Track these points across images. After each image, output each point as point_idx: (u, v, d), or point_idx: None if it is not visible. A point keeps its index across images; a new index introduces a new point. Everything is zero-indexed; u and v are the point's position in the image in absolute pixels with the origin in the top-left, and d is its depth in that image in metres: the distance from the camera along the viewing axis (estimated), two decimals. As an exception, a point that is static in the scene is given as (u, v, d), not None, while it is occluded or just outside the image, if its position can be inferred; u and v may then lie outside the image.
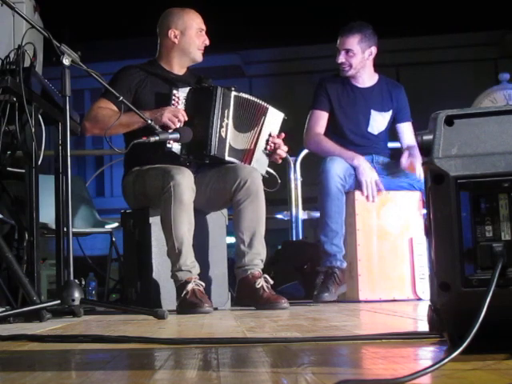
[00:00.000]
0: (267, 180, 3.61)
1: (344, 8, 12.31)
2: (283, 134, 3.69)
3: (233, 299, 3.68)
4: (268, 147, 3.67)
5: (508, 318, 1.26)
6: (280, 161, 3.72)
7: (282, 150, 3.68)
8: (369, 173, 3.96)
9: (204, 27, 3.75)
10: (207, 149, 3.48)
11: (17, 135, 3.03)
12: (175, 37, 3.69)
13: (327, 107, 4.17)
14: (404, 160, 4.03)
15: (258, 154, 3.65)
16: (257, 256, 3.45)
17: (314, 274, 4.17)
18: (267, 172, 3.70)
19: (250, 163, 3.61)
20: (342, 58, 4.15)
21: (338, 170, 3.89)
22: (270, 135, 3.67)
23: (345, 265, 3.94)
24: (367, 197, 3.96)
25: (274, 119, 3.69)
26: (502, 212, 1.27)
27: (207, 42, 3.73)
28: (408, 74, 13.55)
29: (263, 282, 3.40)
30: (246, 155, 3.62)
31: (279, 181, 3.78)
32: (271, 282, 3.46)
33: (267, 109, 3.67)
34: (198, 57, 3.73)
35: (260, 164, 3.65)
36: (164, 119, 3.36)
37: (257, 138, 3.64)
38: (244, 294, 3.46)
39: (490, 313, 1.18)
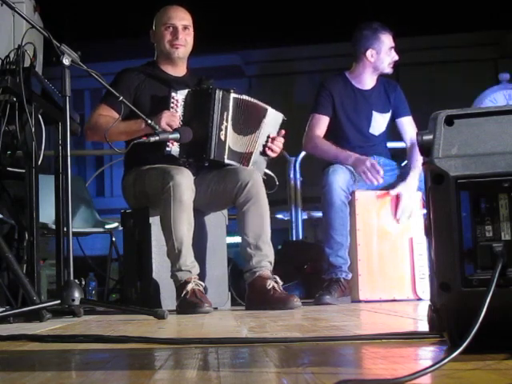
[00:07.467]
0: (265, 182, 3.58)
1: (344, 9, 12.31)
2: (283, 131, 3.64)
3: (233, 299, 3.67)
4: (266, 149, 3.63)
5: (508, 318, 1.26)
6: (274, 155, 3.65)
7: (276, 146, 3.61)
8: (364, 160, 3.90)
9: (174, 22, 3.61)
10: (206, 152, 3.46)
11: (17, 135, 3.03)
12: (152, 37, 3.71)
13: (329, 112, 4.11)
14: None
15: (255, 156, 3.62)
16: (264, 258, 3.41)
17: (314, 274, 4.15)
18: (265, 173, 3.67)
19: (247, 165, 3.59)
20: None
21: (340, 182, 3.86)
22: (268, 136, 3.63)
23: (350, 276, 3.91)
24: (371, 180, 3.88)
25: (273, 120, 3.64)
26: (502, 212, 1.27)
27: (179, 37, 3.60)
28: (408, 74, 13.53)
29: (273, 283, 3.36)
30: (245, 157, 3.60)
31: (277, 182, 3.76)
32: (281, 282, 3.42)
33: (266, 110, 3.62)
34: (172, 52, 3.63)
35: (258, 166, 3.62)
36: (163, 124, 3.33)
37: (256, 139, 3.60)
38: (255, 296, 3.39)
39: (490, 313, 1.18)
